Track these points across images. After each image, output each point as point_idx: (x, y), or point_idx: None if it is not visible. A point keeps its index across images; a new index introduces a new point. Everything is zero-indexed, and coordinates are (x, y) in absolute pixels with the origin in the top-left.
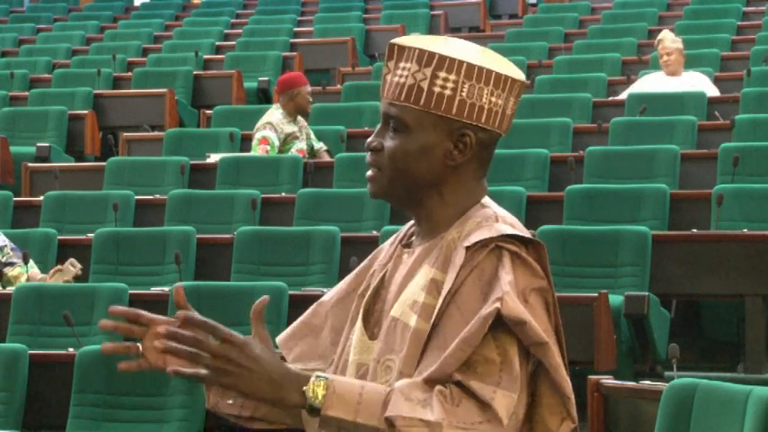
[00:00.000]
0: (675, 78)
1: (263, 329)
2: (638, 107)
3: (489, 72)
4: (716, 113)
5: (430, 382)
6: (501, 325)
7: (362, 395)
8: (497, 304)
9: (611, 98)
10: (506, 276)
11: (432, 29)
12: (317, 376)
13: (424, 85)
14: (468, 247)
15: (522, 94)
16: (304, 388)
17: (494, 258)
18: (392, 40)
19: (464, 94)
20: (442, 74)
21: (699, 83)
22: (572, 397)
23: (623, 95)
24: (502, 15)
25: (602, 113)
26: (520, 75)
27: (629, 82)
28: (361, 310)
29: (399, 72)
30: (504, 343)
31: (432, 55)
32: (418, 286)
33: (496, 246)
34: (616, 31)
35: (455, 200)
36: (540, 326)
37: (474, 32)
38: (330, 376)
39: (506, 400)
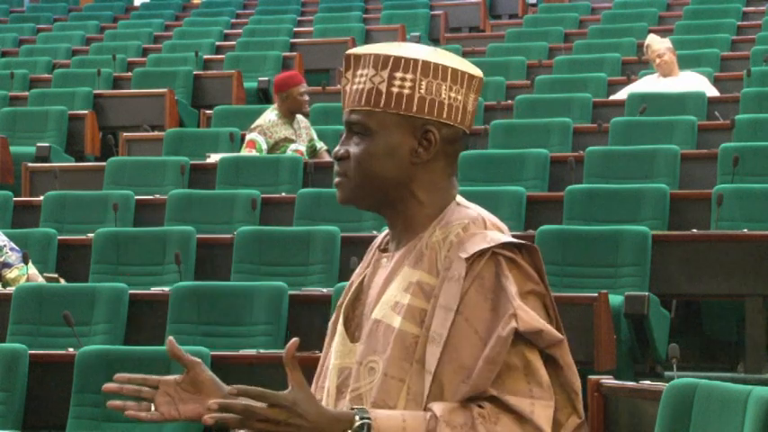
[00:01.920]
0: (672, 79)
1: (299, 374)
2: (638, 107)
3: (445, 68)
4: (716, 113)
5: (464, 402)
6: (516, 335)
7: (406, 428)
8: (513, 323)
9: (611, 98)
10: (511, 287)
11: (432, 29)
12: (360, 416)
13: (383, 87)
14: (466, 258)
15: (522, 94)
16: (349, 430)
17: (492, 266)
18: (347, 52)
19: (422, 91)
20: (399, 74)
21: (697, 83)
22: (580, 393)
23: (621, 95)
24: (502, 15)
25: (602, 113)
26: (476, 71)
27: (629, 82)
28: (341, 316)
29: (357, 80)
30: (523, 349)
31: (387, 57)
32: (400, 288)
33: (493, 253)
34: (616, 31)
35: (429, 199)
36: None
37: (474, 32)
38: (371, 412)
39: (546, 411)
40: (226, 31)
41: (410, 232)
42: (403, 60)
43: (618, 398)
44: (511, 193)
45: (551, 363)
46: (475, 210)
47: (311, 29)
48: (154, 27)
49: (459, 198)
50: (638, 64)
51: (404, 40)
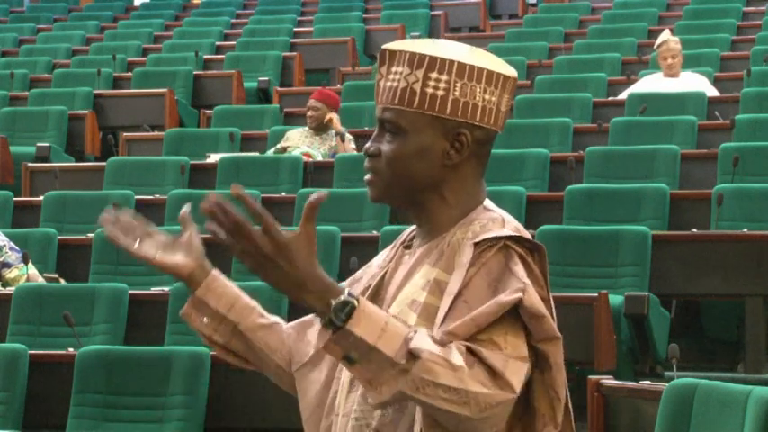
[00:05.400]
0: (674, 80)
1: (312, 227)
2: (638, 107)
3: (481, 70)
4: (716, 113)
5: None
6: (514, 317)
7: (388, 324)
8: (519, 294)
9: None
10: (521, 270)
11: (432, 29)
12: (350, 294)
13: (417, 87)
14: (476, 245)
15: (522, 94)
16: (332, 300)
17: (501, 257)
18: (384, 46)
19: (457, 93)
20: (434, 75)
21: (697, 83)
22: (563, 401)
23: (623, 96)
24: (502, 15)
25: (602, 113)
26: (511, 71)
27: (629, 82)
28: None
29: (392, 77)
30: (515, 336)
31: (422, 57)
32: (418, 285)
33: (504, 245)
34: (616, 31)
35: (456, 200)
36: None
37: (474, 32)
38: (361, 297)
39: (519, 370)
40: (226, 31)
41: (434, 231)
42: (438, 61)
43: (618, 398)
44: (511, 193)
45: (541, 361)
46: (498, 212)
47: (311, 29)
48: (154, 27)
49: (487, 202)
50: (638, 64)
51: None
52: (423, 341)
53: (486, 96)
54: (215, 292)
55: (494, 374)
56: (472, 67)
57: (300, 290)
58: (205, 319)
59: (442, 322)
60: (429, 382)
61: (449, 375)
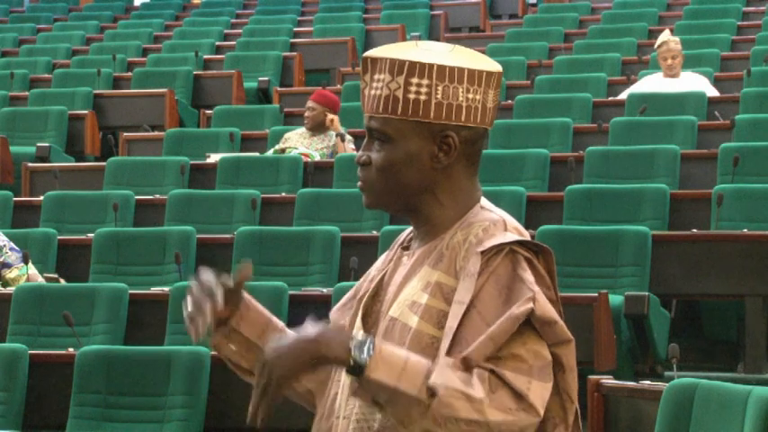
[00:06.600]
0: (674, 80)
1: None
2: (638, 107)
3: (462, 70)
4: (716, 113)
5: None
6: (527, 324)
7: (407, 362)
8: (530, 304)
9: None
10: (530, 277)
11: (432, 29)
12: (364, 335)
13: (399, 93)
14: (482, 253)
15: (522, 94)
16: (350, 345)
17: (508, 262)
18: (365, 54)
19: (439, 96)
20: (415, 80)
21: (698, 84)
22: (575, 402)
23: (623, 96)
24: (502, 15)
25: (602, 113)
26: (494, 66)
27: (629, 82)
28: (360, 311)
29: (375, 84)
30: (534, 343)
31: (402, 63)
32: (418, 287)
33: (511, 250)
34: (616, 31)
35: (451, 201)
36: None
37: (474, 32)
38: (378, 339)
39: (541, 391)
40: (226, 31)
41: (432, 233)
42: (418, 66)
43: (618, 398)
44: (511, 193)
45: (554, 364)
46: (498, 213)
47: (311, 29)
48: (154, 27)
49: (483, 201)
50: (638, 64)
51: (404, 40)
52: (442, 375)
53: (470, 95)
54: (248, 320)
55: (518, 397)
56: (452, 69)
57: (316, 345)
58: (233, 347)
59: (456, 332)
60: (450, 418)
61: (468, 409)
